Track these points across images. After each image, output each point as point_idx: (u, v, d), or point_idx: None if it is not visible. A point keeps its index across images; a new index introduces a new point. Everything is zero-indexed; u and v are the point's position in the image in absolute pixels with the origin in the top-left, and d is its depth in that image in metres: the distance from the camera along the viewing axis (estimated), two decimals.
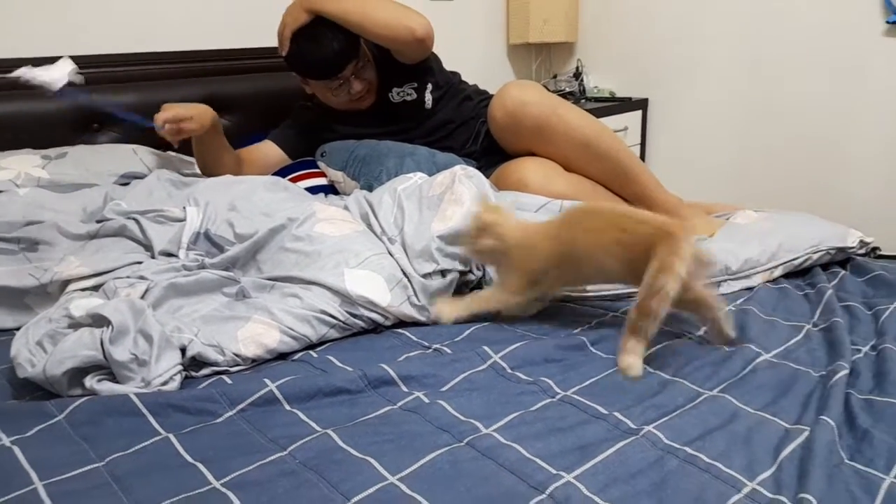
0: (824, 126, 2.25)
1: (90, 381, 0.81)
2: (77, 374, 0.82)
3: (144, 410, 0.75)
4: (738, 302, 1.05)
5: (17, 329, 1.02)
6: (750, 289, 1.11)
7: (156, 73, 1.73)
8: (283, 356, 0.94)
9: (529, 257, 0.98)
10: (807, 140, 2.30)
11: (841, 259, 1.22)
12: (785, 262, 1.15)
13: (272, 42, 1.53)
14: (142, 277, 1.04)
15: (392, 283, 1.01)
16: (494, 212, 1.02)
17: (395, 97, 1.60)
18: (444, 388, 0.81)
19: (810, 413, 0.74)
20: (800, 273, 1.18)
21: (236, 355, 0.89)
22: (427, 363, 0.85)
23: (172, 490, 0.63)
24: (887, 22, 2.05)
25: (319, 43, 1.44)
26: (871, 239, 1.26)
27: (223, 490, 0.63)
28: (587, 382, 0.82)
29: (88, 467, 0.67)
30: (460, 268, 1.09)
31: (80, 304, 0.89)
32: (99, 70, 1.64)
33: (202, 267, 1.11)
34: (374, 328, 1.01)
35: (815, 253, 1.17)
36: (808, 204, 2.28)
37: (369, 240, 1.11)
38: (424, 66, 1.59)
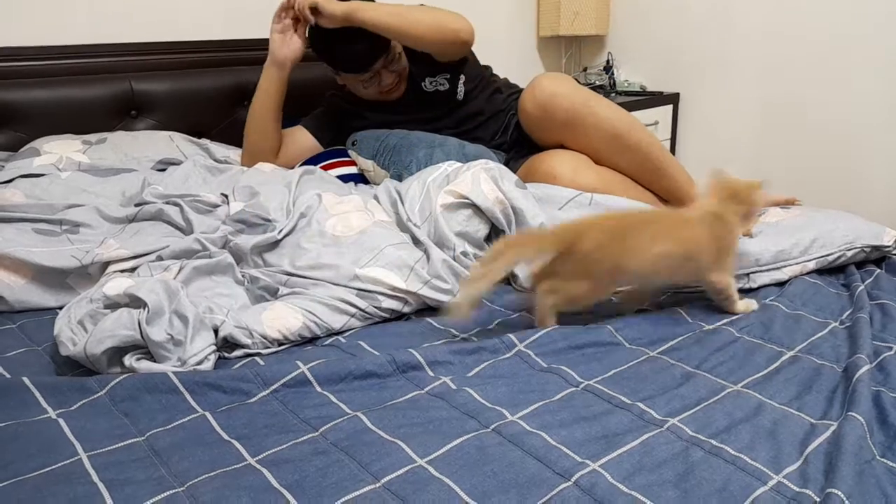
0: (856, 124, 2.20)
1: (129, 360, 0.84)
2: (116, 353, 0.85)
3: (182, 388, 0.78)
4: (770, 297, 1.05)
5: (59, 308, 1.06)
6: (781, 284, 1.11)
7: (188, 61, 1.76)
8: (312, 340, 0.96)
9: None
10: (840, 137, 2.25)
11: (876, 257, 1.20)
12: (818, 258, 1.14)
13: None
14: (174, 257, 1.07)
15: (406, 271, 1.03)
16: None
17: (427, 86, 1.61)
18: (469, 374, 0.83)
19: (836, 408, 0.74)
20: (835, 270, 1.17)
21: (263, 337, 0.92)
22: (453, 349, 0.87)
23: (210, 465, 0.65)
24: None
25: (350, 39, 1.45)
26: None
27: (258, 467, 0.65)
28: (611, 372, 0.82)
29: (129, 441, 0.70)
30: (480, 253, 1.11)
31: (113, 285, 0.92)
32: (133, 58, 1.68)
33: (225, 244, 1.13)
34: (400, 317, 1.03)
35: (849, 250, 1.16)
36: (838, 201, 2.24)
37: (386, 231, 1.12)
38: (459, 59, 1.60)
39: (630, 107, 2.36)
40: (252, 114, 1.54)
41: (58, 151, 1.40)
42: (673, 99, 2.59)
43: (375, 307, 1.00)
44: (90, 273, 1.09)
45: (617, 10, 2.71)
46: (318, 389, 0.79)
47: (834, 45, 2.20)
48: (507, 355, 0.87)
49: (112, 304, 0.90)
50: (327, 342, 0.95)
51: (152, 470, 0.65)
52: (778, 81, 2.35)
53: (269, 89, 1.51)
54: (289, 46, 1.49)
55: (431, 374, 0.83)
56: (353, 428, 0.71)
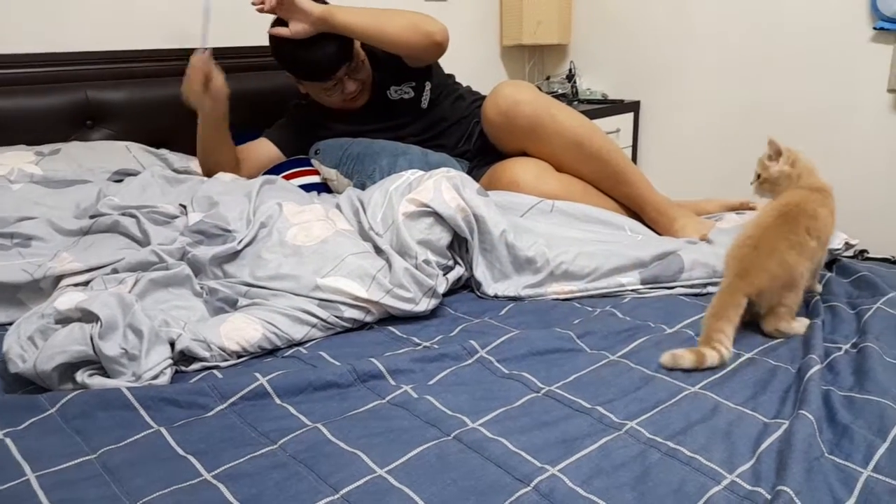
0: (814, 129, 2.27)
1: (81, 376, 0.82)
2: (68, 370, 0.83)
3: (136, 404, 0.76)
4: None
5: (9, 324, 1.02)
6: None
7: (145, 70, 1.73)
8: (272, 352, 0.95)
9: None
10: (796, 142, 2.31)
11: (827, 260, 1.24)
12: None
13: (263, 41, 1.53)
14: (129, 270, 1.05)
15: (367, 280, 1.03)
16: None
17: (392, 95, 1.61)
18: (430, 382, 0.83)
19: (788, 407, 0.76)
20: None
21: (222, 350, 0.90)
22: (415, 357, 0.86)
23: (164, 482, 0.64)
24: (874, 28, 2.08)
25: (313, 46, 1.44)
26: (857, 241, 1.28)
27: (214, 482, 0.64)
28: (572, 377, 0.83)
29: (81, 459, 0.68)
30: (443, 261, 1.11)
31: (64, 300, 0.89)
32: (89, 67, 1.64)
33: (184, 255, 1.11)
34: (362, 326, 1.03)
35: None
36: None
37: (347, 240, 1.11)
38: (425, 67, 1.60)
39: (592, 115, 2.39)
40: (200, 148, 1.49)
41: (9, 163, 1.36)
42: (634, 107, 2.64)
43: (337, 317, 1.00)
44: (42, 287, 1.06)
45: (579, 19, 2.76)
46: (278, 401, 0.78)
47: (789, 52, 2.27)
48: (469, 362, 0.87)
49: (64, 319, 0.88)
50: (288, 353, 0.94)
51: (104, 488, 0.63)
52: (737, 88, 2.41)
53: (209, 135, 1.45)
54: (213, 95, 1.39)
55: (393, 383, 0.83)
56: (313, 439, 0.70)
